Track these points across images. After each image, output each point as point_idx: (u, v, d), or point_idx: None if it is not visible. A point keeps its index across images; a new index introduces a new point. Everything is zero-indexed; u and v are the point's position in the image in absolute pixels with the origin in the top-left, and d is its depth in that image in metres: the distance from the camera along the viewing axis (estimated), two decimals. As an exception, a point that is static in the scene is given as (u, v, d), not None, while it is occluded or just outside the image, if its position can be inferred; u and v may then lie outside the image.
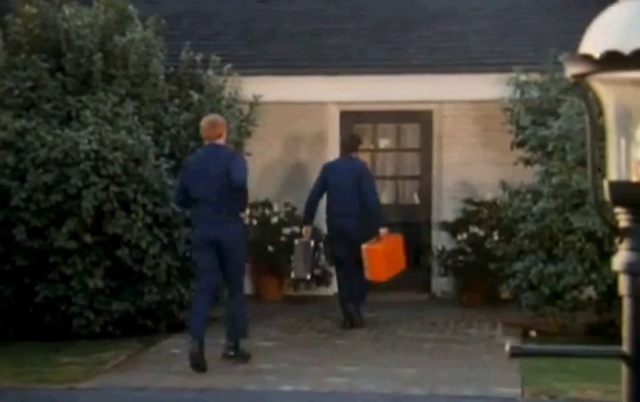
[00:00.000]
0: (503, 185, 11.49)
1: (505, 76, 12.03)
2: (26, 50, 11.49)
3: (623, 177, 2.18)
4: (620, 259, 2.18)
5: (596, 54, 2.06)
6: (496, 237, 12.67)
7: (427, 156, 14.31)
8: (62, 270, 11.02)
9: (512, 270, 11.20)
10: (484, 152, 13.72)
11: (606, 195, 2.21)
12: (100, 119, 11.00)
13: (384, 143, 14.75)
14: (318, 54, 13.51)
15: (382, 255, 11.61)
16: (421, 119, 14.31)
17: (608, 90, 2.16)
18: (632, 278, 2.16)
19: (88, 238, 10.89)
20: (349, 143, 12.46)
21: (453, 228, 13.61)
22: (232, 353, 9.86)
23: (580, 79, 2.14)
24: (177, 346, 10.86)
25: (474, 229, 13.22)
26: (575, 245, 10.43)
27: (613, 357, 2.25)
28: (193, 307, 9.93)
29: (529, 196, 10.97)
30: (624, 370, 2.17)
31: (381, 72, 13.13)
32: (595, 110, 2.19)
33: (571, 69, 2.13)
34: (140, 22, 11.93)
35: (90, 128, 10.86)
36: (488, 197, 13.11)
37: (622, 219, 2.19)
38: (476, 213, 13.46)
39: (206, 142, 9.91)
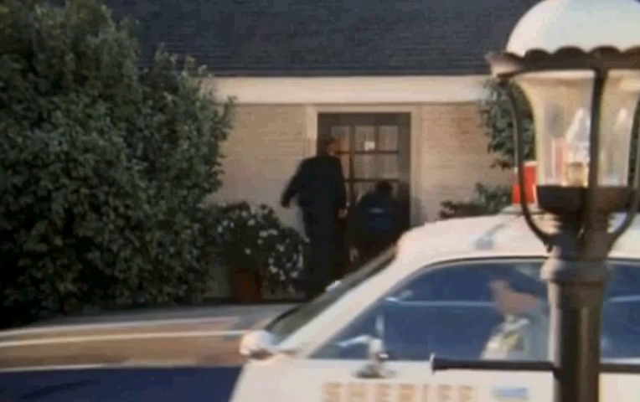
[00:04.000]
0: (480, 188, 11.40)
1: (483, 78, 11.92)
2: (-3, 51, 11.34)
3: (552, 182, 2.08)
4: (548, 267, 2.08)
5: (521, 53, 1.96)
6: (473, 240, 12.62)
7: (405, 158, 14.22)
8: (32, 274, 10.89)
9: (487, 273, 11.12)
10: (463, 154, 13.64)
11: (535, 200, 2.11)
12: (72, 120, 10.85)
13: (368, 146, 14.66)
14: (295, 56, 13.39)
15: None
16: (399, 121, 14.23)
17: (537, 90, 2.06)
18: (560, 287, 2.06)
19: (58, 241, 10.76)
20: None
21: (431, 231, 13.50)
22: None
23: (506, 78, 2.04)
24: (149, 350, 10.75)
25: (451, 232, 13.11)
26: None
27: (542, 369, 2.15)
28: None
29: (504, 199, 10.90)
30: (553, 383, 2.07)
31: (358, 74, 13.01)
32: (521, 111, 2.09)
33: (497, 69, 2.04)
34: (114, 22, 11.78)
35: (61, 129, 10.70)
36: (466, 200, 13.01)
37: (551, 225, 2.09)
38: (453, 216, 13.36)
39: None
